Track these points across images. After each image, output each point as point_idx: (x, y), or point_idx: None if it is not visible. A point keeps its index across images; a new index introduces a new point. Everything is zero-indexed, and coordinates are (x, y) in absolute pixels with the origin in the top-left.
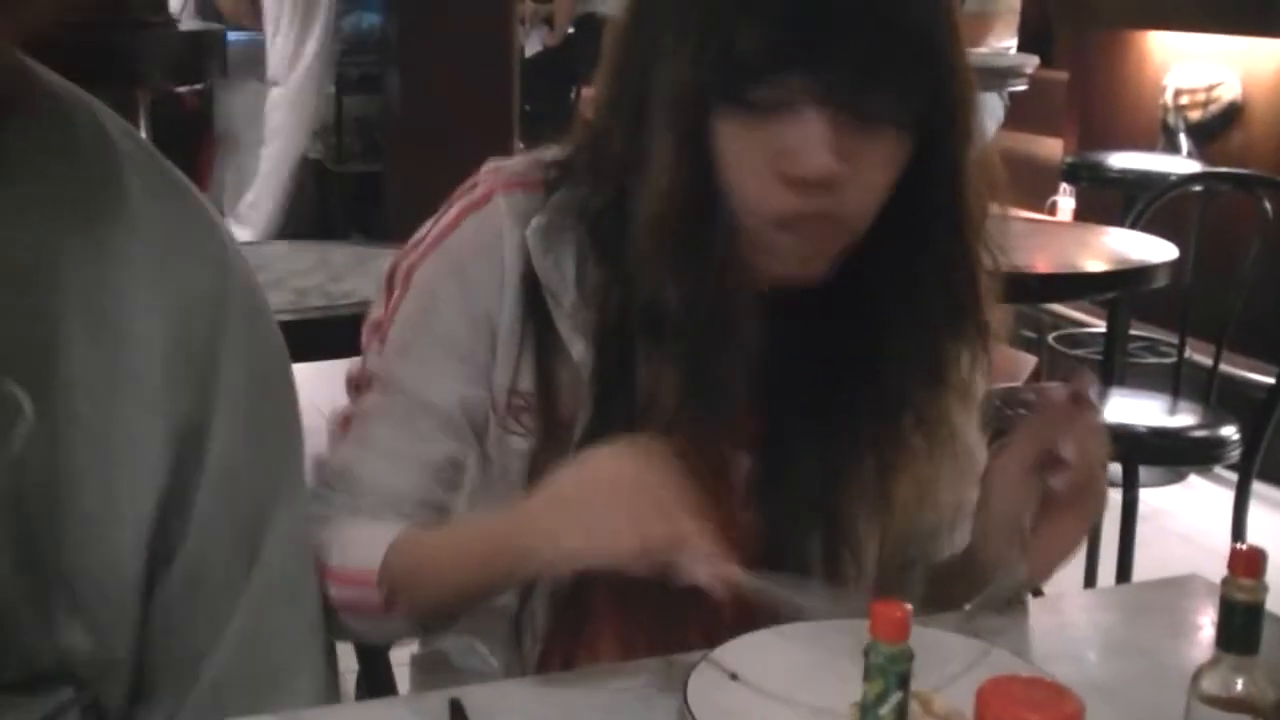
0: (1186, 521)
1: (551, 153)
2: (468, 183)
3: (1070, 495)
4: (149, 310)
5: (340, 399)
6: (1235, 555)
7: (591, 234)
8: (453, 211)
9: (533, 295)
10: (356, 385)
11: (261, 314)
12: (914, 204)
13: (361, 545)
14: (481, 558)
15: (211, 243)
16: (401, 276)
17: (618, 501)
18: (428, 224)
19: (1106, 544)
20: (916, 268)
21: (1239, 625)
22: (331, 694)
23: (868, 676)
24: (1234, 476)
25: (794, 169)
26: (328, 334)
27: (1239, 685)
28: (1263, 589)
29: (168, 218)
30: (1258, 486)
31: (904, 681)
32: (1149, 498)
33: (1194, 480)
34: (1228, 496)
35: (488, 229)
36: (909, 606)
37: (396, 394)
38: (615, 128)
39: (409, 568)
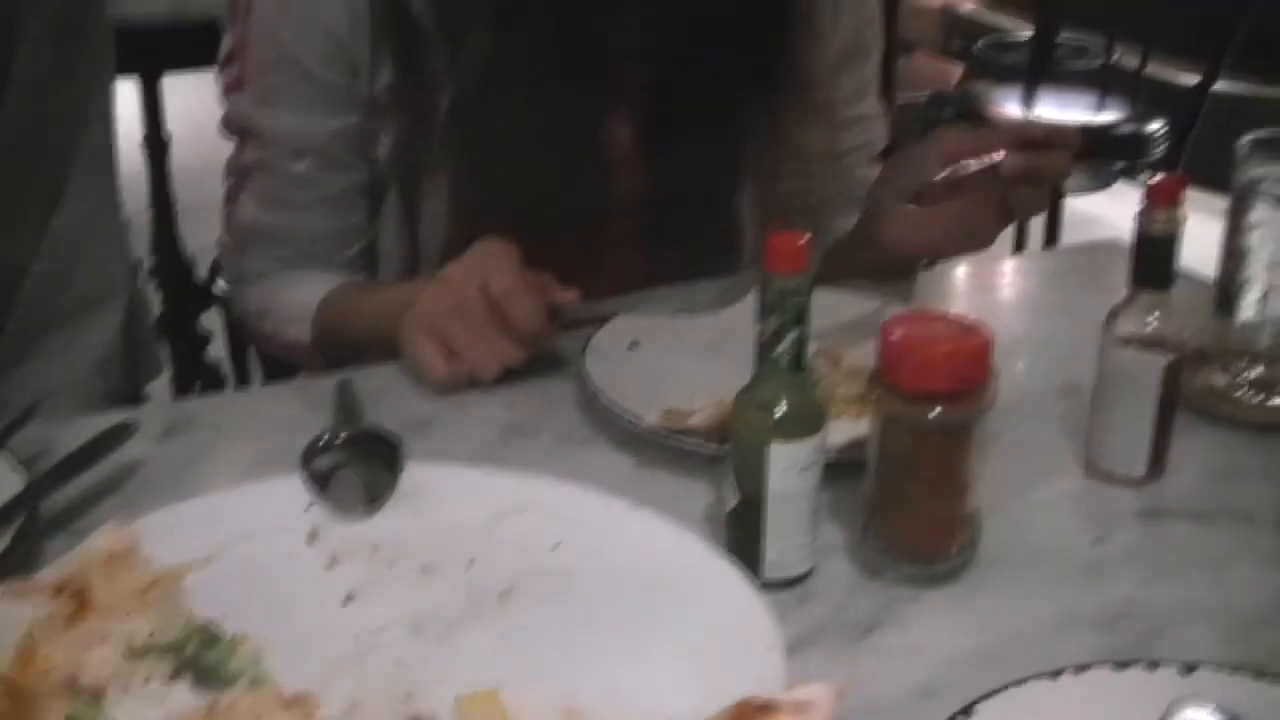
0: (1113, 229)
1: None
2: None
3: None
4: None
5: None
6: (1153, 186)
7: None
8: None
9: None
10: (234, 132)
11: None
12: None
13: (290, 316)
14: (385, 333)
15: None
16: (241, 10)
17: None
18: None
19: (1033, 245)
20: None
21: (1154, 258)
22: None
23: (764, 312)
24: None
25: None
26: None
27: (1153, 321)
28: (1180, 219)
29: None
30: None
31: (801, 316)
32: (1076, 205)
33: (1120, 189)
34: None
35: None
36: (807, 235)
37: (272, 145)
38: None
39: (330, 336)
